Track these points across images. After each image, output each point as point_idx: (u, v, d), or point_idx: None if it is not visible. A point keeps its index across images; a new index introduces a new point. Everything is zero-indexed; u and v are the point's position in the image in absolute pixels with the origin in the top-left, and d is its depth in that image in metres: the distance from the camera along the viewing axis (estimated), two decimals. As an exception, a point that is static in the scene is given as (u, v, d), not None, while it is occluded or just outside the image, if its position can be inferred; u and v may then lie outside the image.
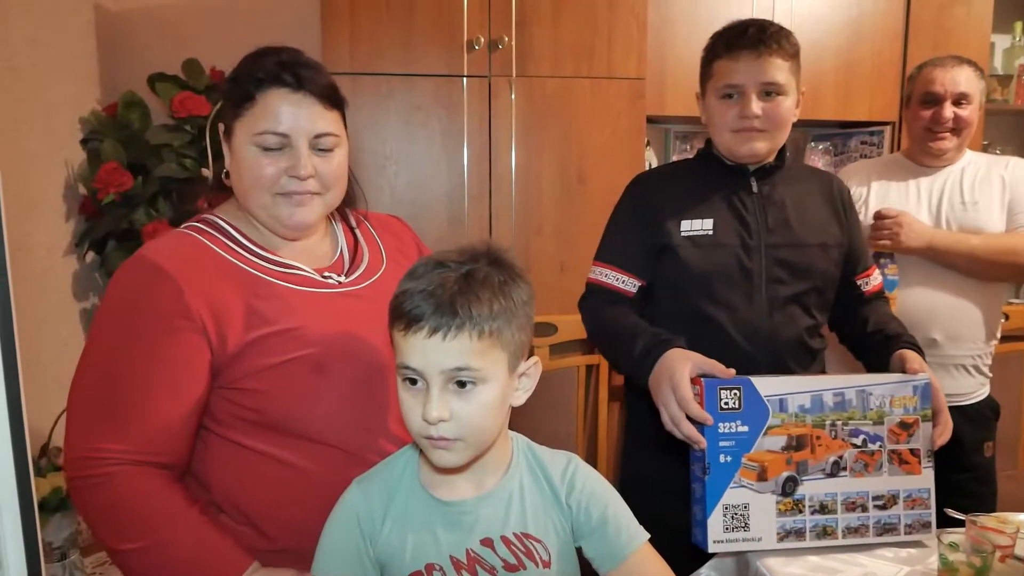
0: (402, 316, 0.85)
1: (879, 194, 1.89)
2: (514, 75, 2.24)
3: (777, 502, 1.15)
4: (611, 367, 1.46)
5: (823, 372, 1.53)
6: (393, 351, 0.89)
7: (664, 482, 1.24)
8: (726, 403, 1.13)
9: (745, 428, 1.13)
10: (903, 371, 1.24)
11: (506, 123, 2.26)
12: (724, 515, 1.13)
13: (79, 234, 2.31)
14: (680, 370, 1.17)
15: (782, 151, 1.47)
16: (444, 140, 2.25)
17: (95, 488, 0.97)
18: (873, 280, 1.53)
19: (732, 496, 1.14)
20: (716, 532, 1.14)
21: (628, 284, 1.44)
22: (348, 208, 1.24)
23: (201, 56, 2.45)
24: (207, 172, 1.83)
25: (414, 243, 1.33)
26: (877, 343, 1.37)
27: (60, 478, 1.43)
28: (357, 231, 1.24)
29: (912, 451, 1.20)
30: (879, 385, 1.19)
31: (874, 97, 2.63)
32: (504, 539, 0.92)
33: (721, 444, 1.13)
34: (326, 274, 1.13)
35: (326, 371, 1.04)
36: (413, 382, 0.86)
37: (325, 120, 1.08)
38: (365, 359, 1.07)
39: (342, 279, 1.14)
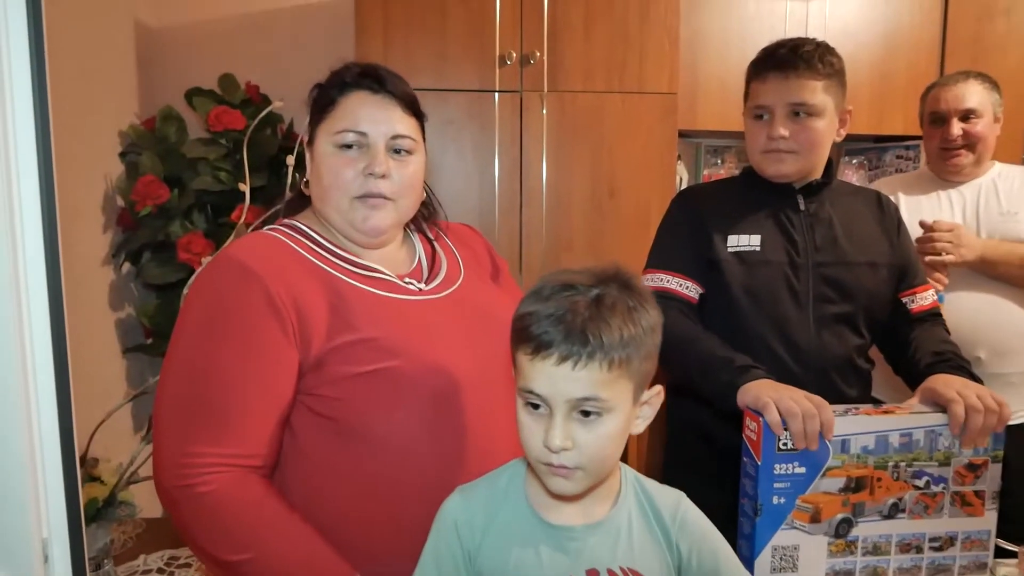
0: (530, 339, 0.82)
1: (910, 208, 1.87)
2: (545, 90, 2.24)
3: (829, 544, 1.11)
4: (686, 377, 1.39)
5: (870, 393, 1.49)
6: (514, 372, 0.86)
7: (706, 506, 1.22)
8: (784, 444, 1.08)
9: (802, 469, 1.08)
10: (935, 405, 1.16)
11: (537, 138, 2.26)
12: (773, 556, 1.10)
13: (116, 245, 2.36)
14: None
15: (829, 168, 1.45)
16: (475, 154, 2.26)
17: (198, 498, 0.94)
18: (922, 299, 1.46)
19: (782, 537, 1.09)
20: (763, 572, 1.10)
21: (691, 290, 1.41)
22: (427, 222, 1.25)
23: (237, 71, 2.50)
24: (244, 187, 1.85)
25: (487, 252, 1.32)
26: (920, 370, 1.31)
27: (97, 488, 1.45)
28: (435, 243, 1.24)
29: (977, 493, 1.14)
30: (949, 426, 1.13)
31: (909, 111, 2.56)
32: (611, 572, 0.88)
33: (775, 486, 1.08)
34: (407, 280, 1.13)
35: (405, 384, 1.02)
36: (535, 406, 0.83)
37: (404, 124, 1.10)
38: (445, 373, 1.04)
39: (422, 286, 1.13)
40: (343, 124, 1.08)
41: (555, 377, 0.81)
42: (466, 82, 2.23)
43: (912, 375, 1.34)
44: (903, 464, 1.12)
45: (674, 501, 0.94)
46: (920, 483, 1.13)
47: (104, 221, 2.31)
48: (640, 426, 0.90)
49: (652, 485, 0.96)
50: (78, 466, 0.76)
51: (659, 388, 0.91)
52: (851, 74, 2.50)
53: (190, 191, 2.32)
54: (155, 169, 2.29)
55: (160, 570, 1.89)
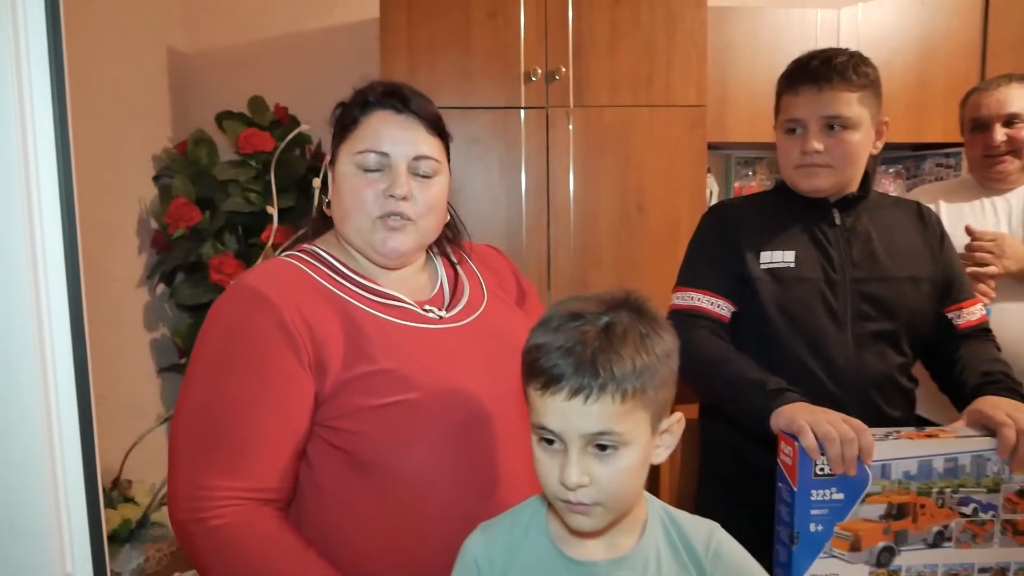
0: (540, 374, 0.79)
1: (951, 216, 1.81)
2: (571, 105, 2.23)
3: (870, 573, 1.06)
4: (717, 399, 1.35)
5: (915, 413, 1.43)
6: (527, 407, 0.84)
7: (741, 532, 1.17)
8: (821, 469, 1.03)
9: (840, 496, 1.03)
10: (983, 428, 1.11)
11: (564, 153, 2.25)
12: None
13: (150, 266, 2.40)
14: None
15: (866, 180, 1.41)
16: (502, 171, 2.25)
17: (210, 531, 0.91)
18: (968, 314, 1.39)
19: (820, 566, 1.04)
20: None
21: (723, 308, 1.36)
22: (451, 244, 1.22)
23: (266, 93, 2.54)
24: (272, 209, 1.86)
25: (512, 275, 1.28)
26: (968, 391, 1.25)
27: (130, 509, 1.46)
28: (458, 267, 1.20)
29: None
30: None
31: (949, 117, 2.50)
32: None
33: (812, 512, 1.03)
34: (427, 307, 1.09)
35: (424, 418, 0.98)
36: (549, 442, 0.81)
37: (427, 144, 1.07)
38: (465, 405, 1.01)
39: (443, 313, 1.10)
40: (365, 144, 1.05)
41: (567, 412, 0.78)
42: (491, 99, 2.22)
43: (959, 396, 1.28)
44: (948, 490, 1.06)
45: (707, 532, 0.90)
46: (967, 510, 1.07)
47: (139, 243, 2.35)
48: (662, 455, 0.86)
49: (682, 516, 0.92)
50: (101, 491, 0.76)
51: (680, 415, 0.87)
52: (887, 81, 2.45)
53: (221, 212, 2.35)
54: (187, 192, 2.32)
55: (192, 590, 1.90)
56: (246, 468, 0.94)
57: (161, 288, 2.46)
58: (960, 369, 1.31)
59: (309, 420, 0.98)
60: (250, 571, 0.92)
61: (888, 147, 2.69)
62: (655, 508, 0.91)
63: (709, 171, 2.68)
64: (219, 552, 0.92)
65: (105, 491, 1.47)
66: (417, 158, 1.06)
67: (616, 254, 2.29)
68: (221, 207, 2.36)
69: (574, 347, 0.78)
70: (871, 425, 1.08)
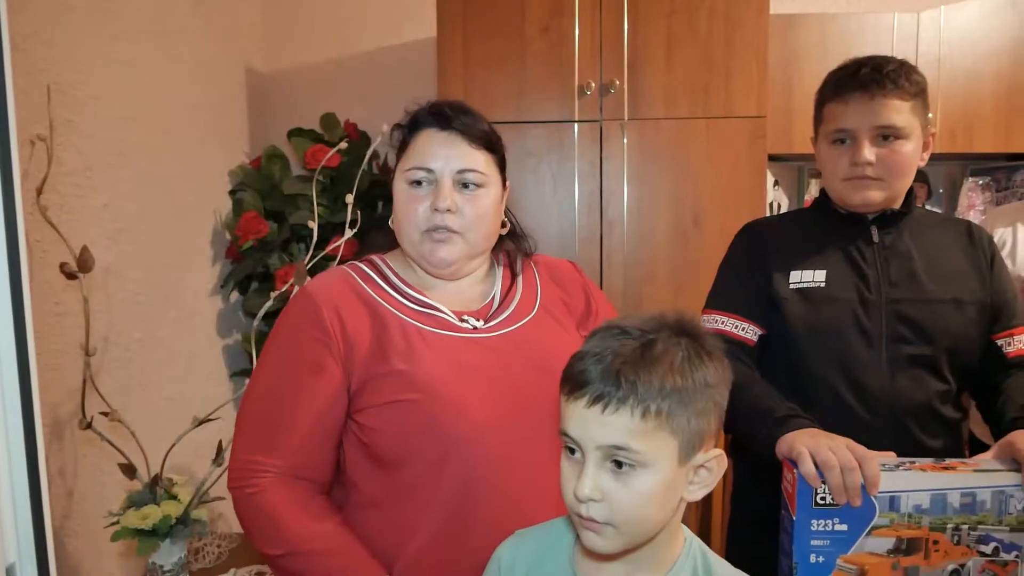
0: (569, 379, 0.81)
1: None
2: (626, 118, 2.20)
3: None
4: (731, 429, 1.32)
5: (962, 444, 1.34)
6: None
7: (771, 563, 1.11)
8: (822, 498, 0.98)
9: (844, 527, 0.98)
10: (1012, 462, 1.02)
11: (618, 167, 2.22)
12: None
13: (223, 276, 2.53)
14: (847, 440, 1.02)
15: (909, 196, 1.33)
16: (555, 185, 2.25)
17: (248, 498, 1.06)
18: (1019, 341, 1.29)
19: None
20: None
21: (749, 332, 1.33)
22: (524, 256, 1.26)
23: (339, 110, 2.64)
24: (312, 224, 1.95)
25: (582, 290, 1.29)
26: (1006, 423, 1.15)
27: (172, 506, 1.55)
28: (519, 277, 1.23)
29: None
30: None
31: (1046, 126, 2.32)
32: None
33: (813, 543, 0.98)
34: (464, 317, 1.14)
35: (423, 419, 1.04)
36: (572, 452, 0.80)
37: (470, 158, 1.13)
38: (464, 415, 1.04)
39: (479, 324, 1.14)
40: (413, 162, 1.13)
41: (586, 419, 0.77)
42: (545, 114, 2.22)
43: (998, 428, 1.18)
44: (965, 527, 0.99)
45: None
46: (987, 549, 0.99)
47: (213, 254, 2.50)
48: (695, 492, 0.82)
49: (722, 565, 0.87)
50: (45, 484, 0.81)
51: (719, 452, 0.83)
52: (974, 88, 2.32)
53: (287, 225, 2.46)
54: (256, 205, 2.45)
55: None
56: (280, 448, 1.07)
57: (235, 296, 2.60)
58: (1003, 400, 1.21)
59: (338, 408, 1.08)
60: (273, 533, 1.04)
61: (976, 157, 2.52)
62: (693, 549, 0.86)
63: (777, 184, 2.58)
64: (251, 516, 1.07)
65: (148, 487, 1.56)
66: (461, 171, 1.12)
67: (671, 268, 2.24)
68: (289, 220, 2.47)
69: (605, 356, 0.78)
70: (909, 455, 1.01)
